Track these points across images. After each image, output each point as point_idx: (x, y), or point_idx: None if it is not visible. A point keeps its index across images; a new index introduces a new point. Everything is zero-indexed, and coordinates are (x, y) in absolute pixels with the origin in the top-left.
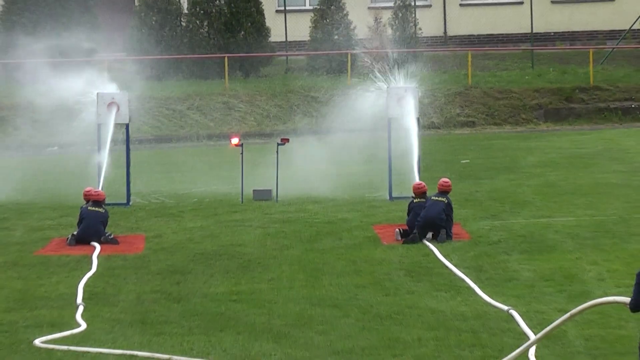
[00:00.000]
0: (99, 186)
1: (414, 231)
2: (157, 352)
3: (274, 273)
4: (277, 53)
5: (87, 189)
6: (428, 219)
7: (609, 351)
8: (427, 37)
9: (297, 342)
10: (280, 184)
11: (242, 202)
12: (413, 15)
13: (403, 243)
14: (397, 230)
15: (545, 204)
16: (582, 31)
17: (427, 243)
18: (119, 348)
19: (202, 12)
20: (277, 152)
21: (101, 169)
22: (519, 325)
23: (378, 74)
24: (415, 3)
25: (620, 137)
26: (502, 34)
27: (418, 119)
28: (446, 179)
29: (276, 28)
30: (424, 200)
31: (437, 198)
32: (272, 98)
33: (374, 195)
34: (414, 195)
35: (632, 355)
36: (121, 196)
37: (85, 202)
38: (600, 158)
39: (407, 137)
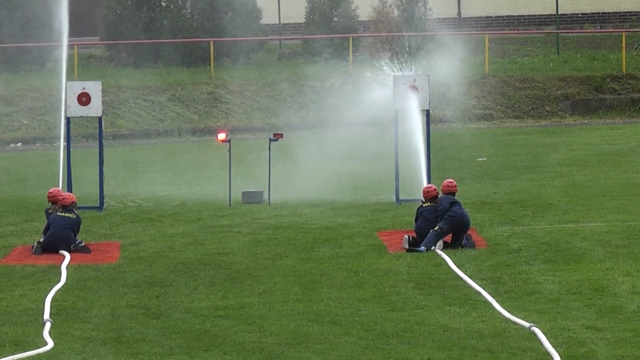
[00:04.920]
0: (59, 187)
1: (438, 228)
2: None
3: (266, 285)
4: (270, 37)
5: (51, 190)
6: (465, 219)
7: None
8: (439, 18)
9: None
10: (272, 185)
11: (229, 205)
12: None
13: (407, 251)
14: (405, 236)
15: (572, 207)
16: (614, 12)
17: (439, 252)
18: None
19: None
20: (269, 149)
21: (67, 168)
22: (542, 344)
23: (383, 61)
24: None
25: None
26: (524, 16)
27: (428, 112)
28: (451, 179)
29: (268, 9)
30: (434, 204)
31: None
32: (264, 88)
33: (378, 198)
34: (423, 199)
35: None
36: (93, 199)
37: (50, 204)
38: (634, 155)
39: (416, 132)
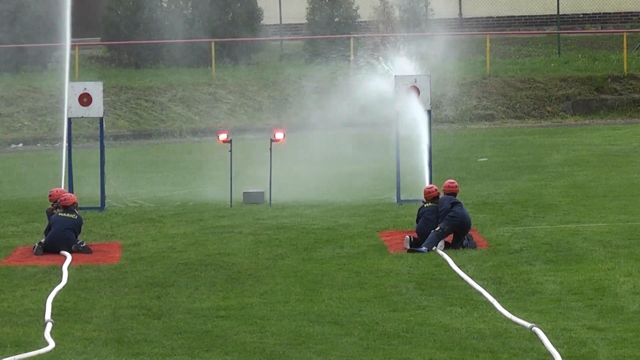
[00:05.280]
0: (61, 187)
1: (439, 229)
2: None
3: (267, 286)
4: (271, 38)
5: (53, 190)
6: (466, 220)
7: None
8: (440, 19)
9: None
10: (273, 185)
11: (230, 206)
12: None
13: (408, 252)
14: (406, 237)
15: (573, 207)
16: (615, 13)
17: (440, 252)
18: None
19: None
20: (270, 149)
21: (68, 169)
22: (543, 344)
23: (385, 62)
24: None
25: None
26: (525, 16)
27: (429, 112)
28: (452, 180)
29: (269, 9)
30: (435, 205)
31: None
32: (265, 88)
33: (379, 198)
34: (424, 200)
35: None
36: (94, 199)
37: (51, 204)
38: (635, 156)
39: (417, 132)
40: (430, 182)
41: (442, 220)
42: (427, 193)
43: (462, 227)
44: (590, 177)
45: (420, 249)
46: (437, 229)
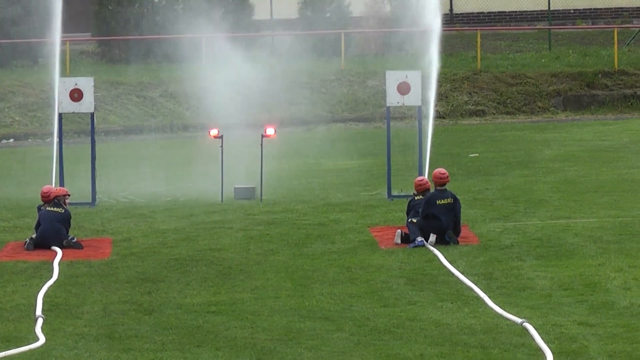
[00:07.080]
0: (52, 184)
1: (416, 220)
2: None
3: (258, 281)
4: (262, 33)
5: (45, 188)
6: (441, 230)
7: None
8: None
9: (283, 359)
10: (264, 180)
11: (221, 201)
12: None
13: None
14: (398, 231)
15: (563, 203)
16: (606, 8)
17: (431, 247)
18: None
19: None
20: (261, 145)
21: (58, 164)
22: (534, 340)
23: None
24: None
25: None
26: (516, 12)
27: (420, 108)
28: (442, 170)
29: (260, 5)
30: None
31: (444, 201)
32: (256, 84)
33: (370, 194)
34: (415, 192)
35: None
36: (85, 195)
37: (43, 202)
38: (625, 151)
39: (408, 128)
40: (420, 174)
41: (420, 215)
42: (418, 185)
43: (432, 231)
44: (580, 172)
45: (417, 241)
46: (414, 220)
